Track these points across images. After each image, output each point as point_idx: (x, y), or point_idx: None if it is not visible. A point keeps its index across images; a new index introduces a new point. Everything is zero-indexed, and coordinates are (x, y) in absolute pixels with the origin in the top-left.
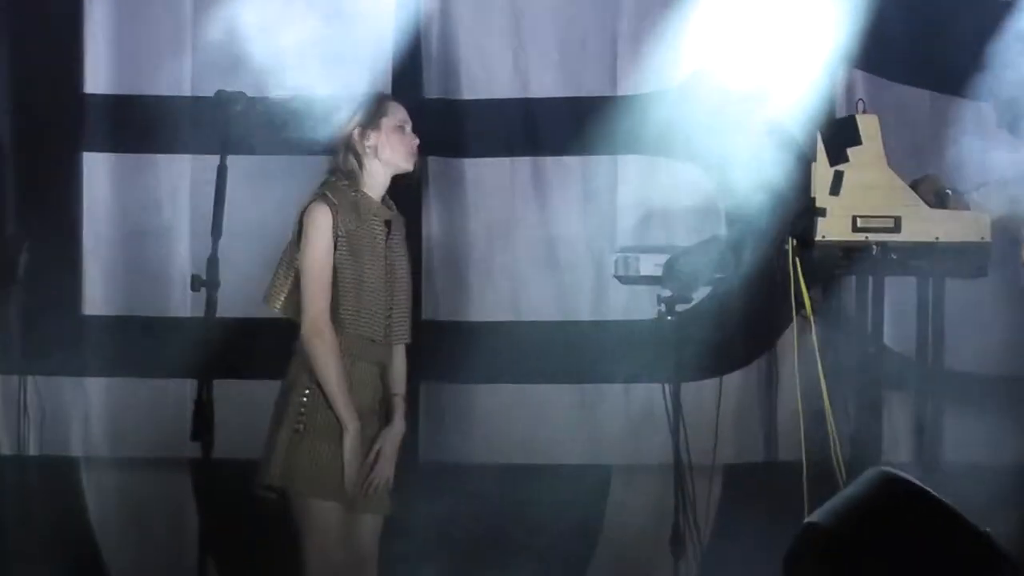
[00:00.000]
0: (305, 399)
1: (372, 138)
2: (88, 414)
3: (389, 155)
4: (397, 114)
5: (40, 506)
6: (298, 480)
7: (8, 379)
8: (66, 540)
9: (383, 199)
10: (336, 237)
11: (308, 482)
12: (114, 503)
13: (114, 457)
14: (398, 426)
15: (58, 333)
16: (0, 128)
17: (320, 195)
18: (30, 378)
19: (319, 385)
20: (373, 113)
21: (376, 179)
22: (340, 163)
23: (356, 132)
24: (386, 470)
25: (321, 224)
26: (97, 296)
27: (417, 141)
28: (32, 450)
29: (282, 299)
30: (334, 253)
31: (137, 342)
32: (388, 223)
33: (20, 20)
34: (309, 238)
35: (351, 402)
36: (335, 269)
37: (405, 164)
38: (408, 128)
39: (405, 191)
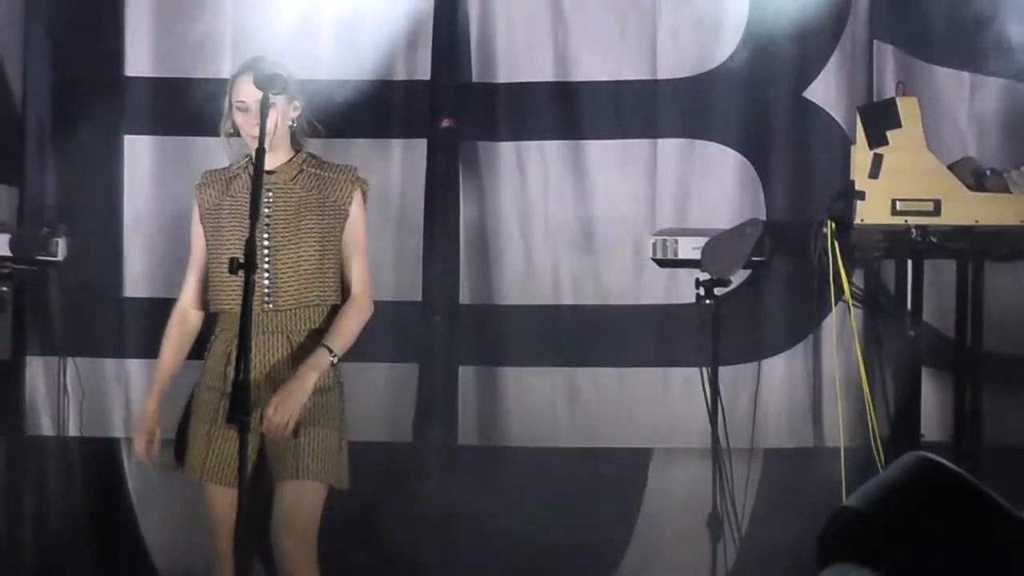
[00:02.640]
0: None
1: (229, 123)
2: (128, 395)
3: (243, 137)
4: (235, 95)
5: (80, 487)
6: (185, 460)
7: (49, 361)
8: (106, 521)
9: (294, 159)
10: (202, 216)
11: (187, 461)
12: (153, 483)
13: None
14: (298, 376)
15: (99, 315)
16: (42, 111)
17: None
18: (70, 360)
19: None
20: (226, 98)
21: (268, 155)
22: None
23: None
24: (273, 411)
25: (193, 208)
26: (138, 278)
27: (257, 122)
28: (72, 431)
29: None
30: (205, 232)
31: None
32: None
33: (62, 3)
34: None
35: (152, 388)
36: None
37: (252, 145)
38: (248, 107)
39: (444, 173)
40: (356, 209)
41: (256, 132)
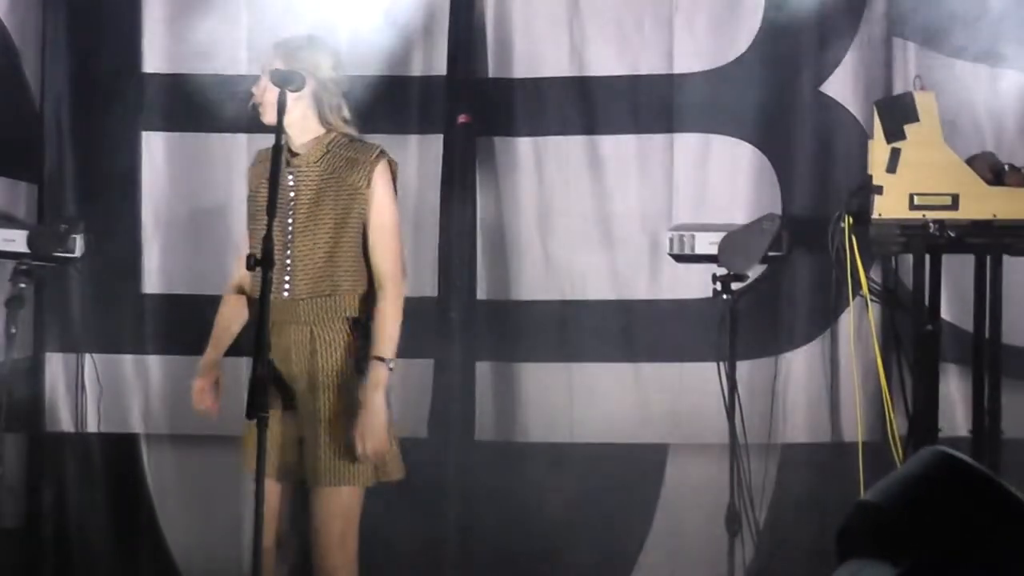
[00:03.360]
0: None
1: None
2: (147, 392)
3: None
4: (266, 64)
5: (99, 483)
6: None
7: (68, 357)
8: (126, 516)
9: (321, 139)
10: (248, 196)
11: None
12: (173, 480)
13: (172, 434)
14: (367, 403)
15: (117, 311)
16: (60, 108)
17: None
18: (89, 356)
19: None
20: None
21: (296, 136)
22: None
23: None
24: (362, 449)
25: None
26: (156, 274)
27: (265, 95)
28: (91, 427)
29: None
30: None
31: (195, 320)
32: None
33: (80, 1)
34: None
35: (210, 342)
36: None
37: (265, 120)
38: (262, 79)
39: (460, 168)
40: (380, 189)
41: (262, 99)
